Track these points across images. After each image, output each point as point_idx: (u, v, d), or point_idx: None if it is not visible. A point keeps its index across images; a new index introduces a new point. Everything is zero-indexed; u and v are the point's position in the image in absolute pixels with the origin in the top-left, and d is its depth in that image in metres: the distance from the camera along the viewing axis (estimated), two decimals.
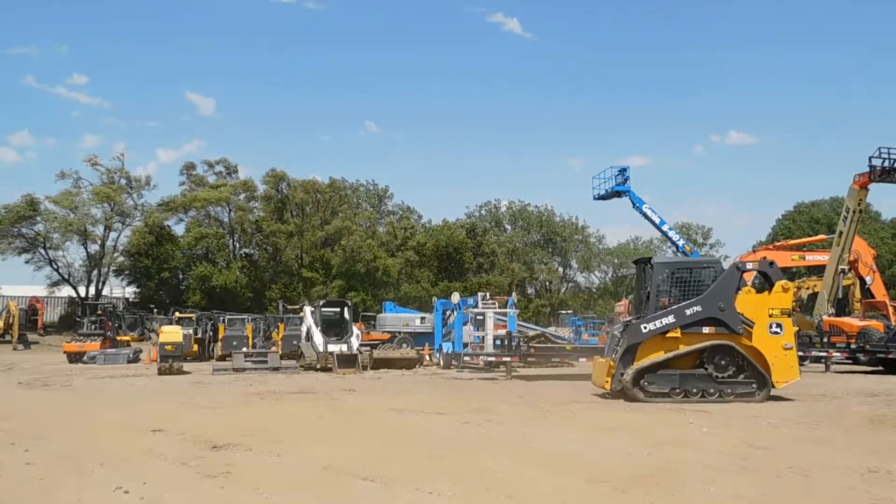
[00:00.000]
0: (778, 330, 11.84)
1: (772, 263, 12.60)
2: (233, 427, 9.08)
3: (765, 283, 12.38)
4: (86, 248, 42.47)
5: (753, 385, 11.81)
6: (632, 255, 57.86)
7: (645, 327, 11.87)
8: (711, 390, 11.76)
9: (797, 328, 21.20)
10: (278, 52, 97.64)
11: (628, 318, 13.56)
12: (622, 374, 11.84)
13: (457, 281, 47.35)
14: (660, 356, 11.83)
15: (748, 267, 12.50)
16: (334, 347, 19.68)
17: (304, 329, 22.16)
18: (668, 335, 11.81)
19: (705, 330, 11.79)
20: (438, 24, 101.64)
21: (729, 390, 11.77)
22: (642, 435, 8.53)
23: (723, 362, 11.80)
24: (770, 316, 11.86)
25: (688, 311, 11.76)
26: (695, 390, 11.78)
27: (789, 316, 12.07)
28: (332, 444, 8.06)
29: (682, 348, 11.83)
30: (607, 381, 12.24)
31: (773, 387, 11.86)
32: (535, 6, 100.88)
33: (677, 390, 11.78)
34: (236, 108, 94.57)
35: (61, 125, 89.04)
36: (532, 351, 18.06)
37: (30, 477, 6.40)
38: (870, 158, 23.00)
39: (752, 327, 11.77)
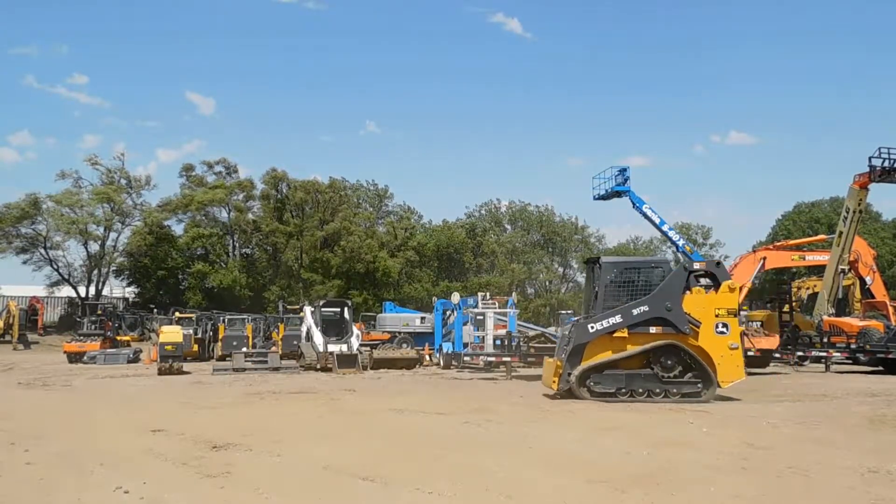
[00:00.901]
0: (724, 330, 11.83)
1: (718, 263, 12.61)
2: (233, 427, 9.09)
3: (713, 283, 12.27)
4: (86, 248, 42.50)
5: (699, 385, 11.76)
6: (632, 255, 57.99)
7: (592, 327, 11.85)
8: (657, 390, 11.74)
9: (798, 329, 21.37)
10: (279, 52, 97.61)
11: (576, 318, 13.52)
12: (569, 374, 11.80)
13: (457, 281, 47.34)
14: (607, 356, 11.82)
15: (695, 267, 12.45)
16: (334, 347, 19.69)
17: (304, 329, 22.16)
18: (616, 335, 11.79)
19: (652, 330, 11.78)
20: (439, 24, 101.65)
21: (675, 390, 11.74)
22: (642, 435, 8.53)
23: (669, 362, 11.79)
24: (716, 316, 11.84)
25: (635, 311, 11.76)
26: (641, 390, 11.75)
27: (735, 316, 12.04)
28: (332, 444, 8.06)
29: (630, 348, 11.83)
30: (554, 381, 12.24)
31: (719, 386, 11.81)
32: (536, 6, 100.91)
33: (623, 390, 11.75)
34: (237, 108, 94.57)
35: (61, 125, 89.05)
36: (532, 351, 18.06)
37: (30, 477, 6.39)
38: (870, 158, 22.99)
39: (698, 327, 11.73)
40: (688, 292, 12.07)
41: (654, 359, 11.82)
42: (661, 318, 11.75)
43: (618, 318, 11.78)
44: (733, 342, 11.85)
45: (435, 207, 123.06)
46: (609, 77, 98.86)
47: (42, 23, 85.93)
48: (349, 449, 7.75)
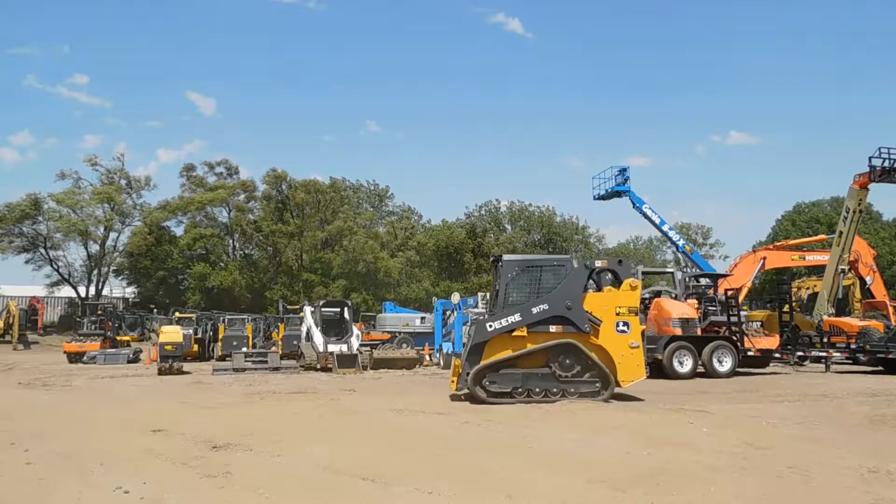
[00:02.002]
0: (625, 329, 11.69)
1: (621, 261, 12.40)
2: (233, 427, 9.08)
3: (615, 281, 12.14)
4: (86, 248, 42.53)
5: (597, 384, 11.59)
6: (632, 256, 57.95)
7: (491, 326, 11.65)
8: (555, 389, 11.54)
9: (798, 329, 21.36)
10: (279, 52, 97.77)
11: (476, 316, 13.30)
12: (468, 374, 11.63)
13: (457, 281, 47.34)
14: (506, 355, 11.61)
15: (597, 265, 12.26)
16: (334, 347, 19.68)
17: (304, 329, 22.15)
18: (515, 334, 11.57)
19: (552, 328, 11.59)
20: (440, 24, 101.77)
21: (572, 389, 11.55)
22: (642, 435, 8.52)
23: (567, 361, 11.60)
24: (617, 314, 11.68)
25: (534, 310, 11.57)
26: (538, 389, 11.55)
27: (637, 314, 11.89)
28: (332, 444, 8.06)
29: (530, 347, 11.61)
30: (453, 381, 12.17)
31: (619, 385, 11.69)
32: (537, 6, 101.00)
33: (520, 389, 11.54)
34: (237, 108, 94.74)
35: (62, 125, 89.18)
36: None
37: (30, 477, 6.39)
38: (870, 158, 23.00)
39: (599, 325, 11.60)
40: (590, 291, 11.93)
41: (552, 358, 11.62)
42: (562, 316, 11.55)
43: (517, 317, 11.57)
44: (634, 341, 11.67)
45: (435, 207, 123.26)
46: (609, 77, 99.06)
47: (42, 23, 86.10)
48: (349, 449, 7.75)
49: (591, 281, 12.28)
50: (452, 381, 12.26)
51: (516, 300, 11.86)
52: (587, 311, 11.63)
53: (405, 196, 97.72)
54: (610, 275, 12.19)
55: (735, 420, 9.88)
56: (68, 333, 33.54)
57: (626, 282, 11.91)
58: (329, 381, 16.40)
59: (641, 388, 12.40)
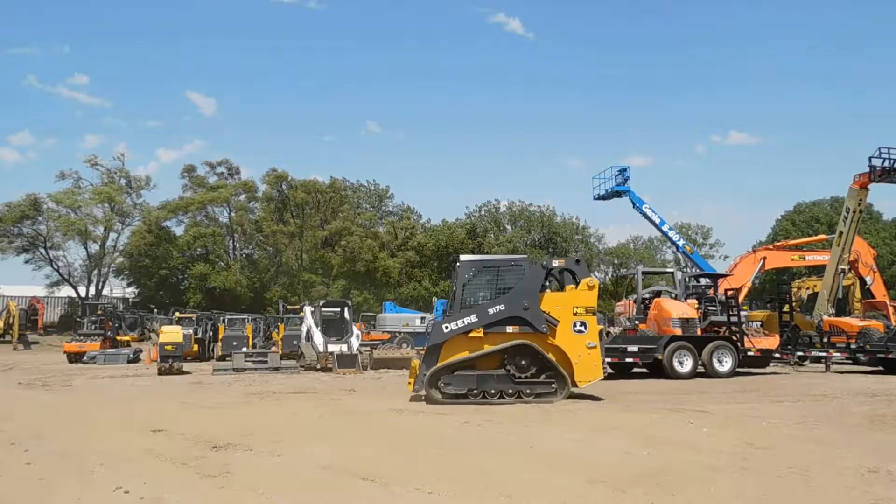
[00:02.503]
0: (582, 329, 11.59)
1: (578, 261, 12.31)
2: (233, 427, 9.08)
3: (574, 280, 12.04)
4: (86, 248, 42.53)
5: (553, 385, 11.51)
6: (632, 255, 57.94)
7: (447, 327, 11.55)
8: (510, 391, 11.46)
9: (798, 329, 21.35)
10: (280, 52, 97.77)
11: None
12: (424, 375, 11.56)
13: None
14: (463, 356, 11.51)
15: (554, 264, 12.19)
16: (334, 347, 19.68)
17: (304, 329, 22.15)
18: (472, 335, 11.47)
19: (509, 329, 11.49)
20: (440, 24, 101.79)
21: (528, 390, 11.46)
22: (642, 435, 8.52)
23: (523, 362, 11.48)
24: (575, 314, 11.60)
25: (490, 311, 11.47)
26: (493, 391, 11.45)
27: (594, 314, 11.79)
28: (332, 444, 8.06)
29: (487, 348, 11.53)
30: (409, 383, 12.14)
31: (576, 386, 11.61)
32: (537, 6, 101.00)
33: (475, 391, 11.44)
34: (238, 108, 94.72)
35: (62, 125, 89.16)
36: None
37: (30, 477, 6.39)
38: (870, 158, 23.01)
39: (556, 326, 11.52)
40: (547, 290, 11.90)
41: (509, 359, 11.53)
42: (518, 317, 11.47)
43: (473, 318, 11.47)
44: (591, 341, 11.59)
45: (435, 207, 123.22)
46: (609, 77, 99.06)
47: (43, 23, 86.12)
48: (349, 449, 7.75)
49: (555, 281, 12.25)
50: (409, 383, 12.20)
51: (474, 301, 11.75)
52: (544, 312, 11.54)
53: (405, 196, 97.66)
54: (569, 274, 12.13)
55: (735, 420, 9.87)
56: (68, 333, 33.53)
57: (584, 281, 11.80)
58: (329, 381, 16.40)
59: (639, 388, 12.44)
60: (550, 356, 11.50)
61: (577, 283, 11.89)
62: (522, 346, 11.49)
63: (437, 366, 11.51)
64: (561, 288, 12.08)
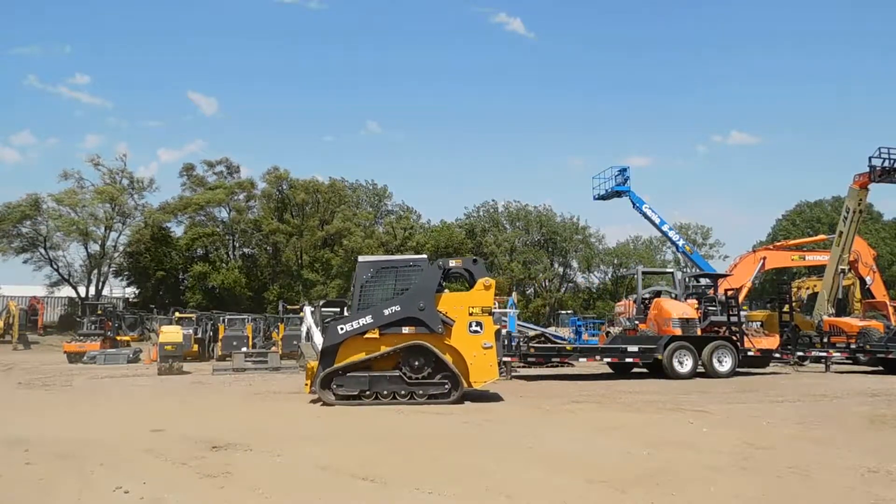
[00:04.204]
0: (478, 329, 11.52)
1: (475, 261, 12.23)
2: (233, 427, 9.09)
3: (471, 280, 11.98)
4: (86, 248, 42.51)
5: (447, 386, 11.43)
6: (632, 256, 57.90)
7: (342, 328, 11.43)
8: (403, 392, 11.40)
9: (798, 329, 21.36)
10: (280, 52, 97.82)
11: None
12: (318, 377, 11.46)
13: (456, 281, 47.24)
14: (359, 357, 11.42)
15: (451, 265, 12.09)
16: None
17: (304, 329, 22.10)
18: (368, 336, 11.37)
19: (405, 330, 11.39)
20: (441, 24, 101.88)
21: (421, 391, 11.40)
22: (642, 435, 8.53)
23: (417, 363, 11.40)
24: (471, 315, 11.52)
25: (386, 311, 11.36)
26: (386, 392, 11.40)
27: (490, 314, 11.73)
28: (332, 444, 8.06)
29: (383, 349, 11.42)
30: (307, 385, 12.06)
31: (470, 386, 11.54)
32: (538, 6, 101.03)
33: (367, 392, 11.37)
34: (238, 108, 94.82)
35: (63, 125, 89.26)
36: (532, 351, 18.07)
37: (30, 477, 6.39)
38: (870, 158, 23.04)
39: (452, 326, 11.45)
40: (445, 291, 11.84)
41: (403, 360, 11.46)
42: (414, 317, 11.38)
43: (368, 319, 11.35)
44: (487, 341, 11.53)
45: (434, 207, 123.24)
46: (610, 77, 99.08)
47: (44, 23, 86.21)
48: (349, 449, 7.75)
49: (465, 281, 12.17)
50: (307, 385, 12.13)
51: (372, 302, 11.62)
52: (441, 312, 11.47)
53: (405, 196, 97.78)
54: (467, 274, 12.07)
55: (735, 420, 9.88)
56: (68, 333, 33.55)
57: (480, 281, 11.73)
58: None
59: (639, 388, 12.42)
60: (446, 357, 11.42)
61: (473, 284, 11.82)
62: (417, 347, 11.40)
63: (331, 368, 11.39)
64: (470, 286, 11.91)
